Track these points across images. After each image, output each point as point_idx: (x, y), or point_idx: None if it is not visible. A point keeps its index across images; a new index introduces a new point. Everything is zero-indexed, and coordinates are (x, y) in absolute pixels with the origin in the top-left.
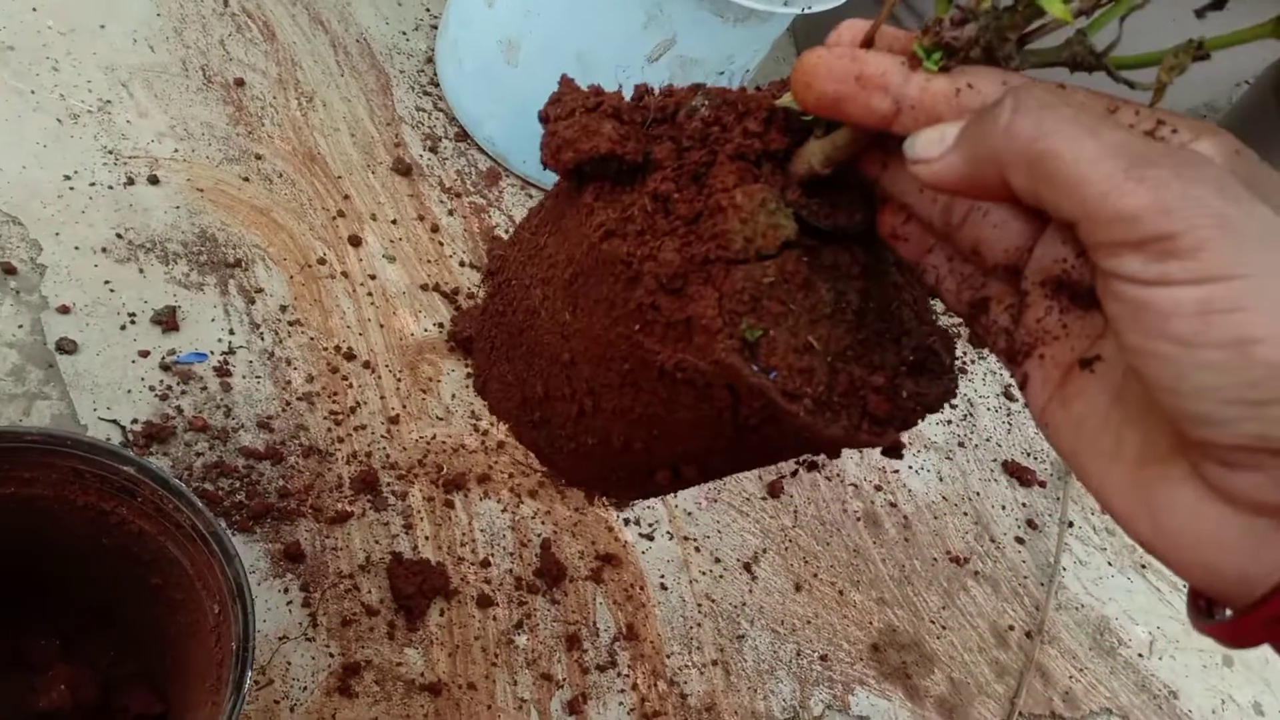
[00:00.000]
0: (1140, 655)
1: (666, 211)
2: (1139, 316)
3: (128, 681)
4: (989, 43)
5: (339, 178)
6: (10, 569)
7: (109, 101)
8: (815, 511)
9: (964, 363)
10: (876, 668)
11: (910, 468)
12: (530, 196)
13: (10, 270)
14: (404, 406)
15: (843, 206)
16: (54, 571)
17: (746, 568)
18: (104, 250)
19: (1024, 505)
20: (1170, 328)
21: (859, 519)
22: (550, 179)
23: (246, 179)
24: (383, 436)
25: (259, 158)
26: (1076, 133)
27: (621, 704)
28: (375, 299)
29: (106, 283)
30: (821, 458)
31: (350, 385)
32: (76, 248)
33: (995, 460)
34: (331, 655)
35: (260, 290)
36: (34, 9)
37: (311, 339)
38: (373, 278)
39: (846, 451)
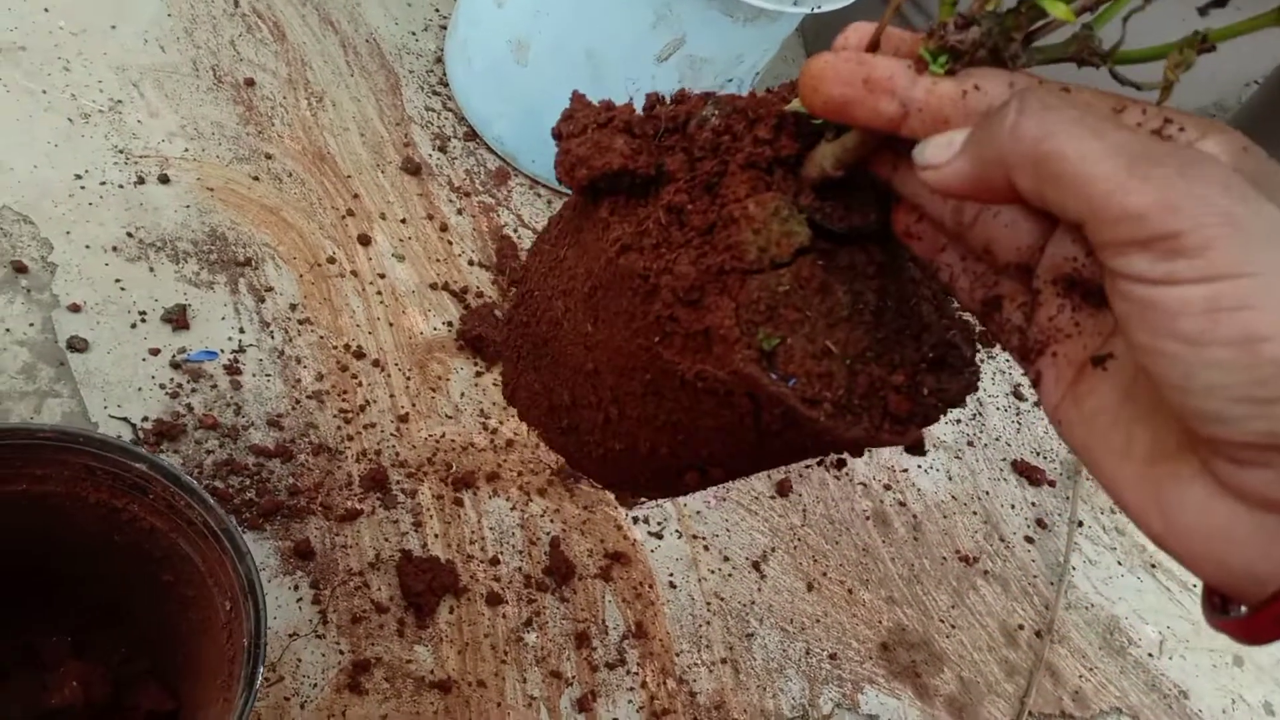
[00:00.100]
0: (1150, 655)
1: (681, 223)
2: (1147, 315)
3: (139, 678)
4: (995, 44)
5: (348, 177)
6: (22, 566)
7: (120, 101)
8: (824, 510)
9: None
10: (886, 666)
11: (919, 467)
12: (539, 195)
13: (21, 269)
14: (413, 405)
15: (856, 207)
16: (66, 568)
17: (755, 566)
18: (115, 249)
19: (1033, 504)
20: (1178, 326)
21: (868, 518)
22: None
23: (256, 178)
24: (392, 435)
25: (269, 157)
26: (1081, 132)
27: (631, 702)
28: (384, 298)
29: (117, 281)
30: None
31: (360, 383)
32: (87, 246)
33: (1004, 459)
34: (341, 652)
35: (270, 289)
36: (46, 9)
37: (321, 337)
38: (382, 276)
39: None
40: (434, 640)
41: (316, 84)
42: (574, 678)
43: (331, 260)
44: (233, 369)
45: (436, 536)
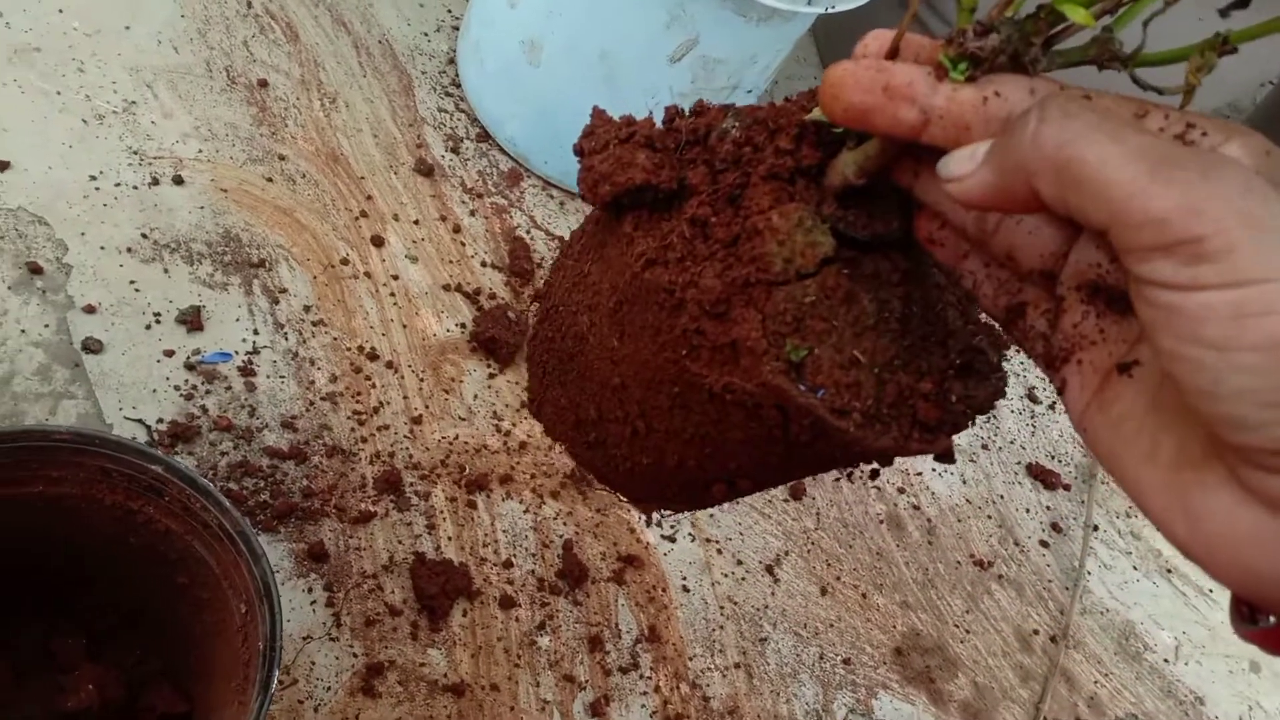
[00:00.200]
0: (1166, 660)
1: (705, 236)
2: (1172, 321)
3: (153, 680)
4: (1014, 50)
5: (362, 178)
6: (38, 568)
7: (134, 102)
8: (838, 514)
9: None
10: (900, 671)
11: (933, 470)
12: (551, 197)
13: (37, 270)
14: (427, 407)
15: (879, 214)
16: (81, 570)
17: (769, 570)
18: (129, 250)
19: (1048, 508)
20: (1204, 332)
21: (882, 521)
22: (571, 180)
23: (270, 179)
24: (406, 437)
25: (282, 158)
26: (1102, 138)
27: (644, 706)
28: (398, 299)
29: (132, 283)
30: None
31: (373, 385)
32: (102, 248)
33: (1019, 463)
34: (355, 655)
35: (284, 290)
36: (60, 10)
37: (335, 339)
38: (395, 278)
39: None
40: (447, 643)
41: (329, 85)
42: (587, 682)
43: (345, 261)
44: (247, 370)
45: (450, 539)
